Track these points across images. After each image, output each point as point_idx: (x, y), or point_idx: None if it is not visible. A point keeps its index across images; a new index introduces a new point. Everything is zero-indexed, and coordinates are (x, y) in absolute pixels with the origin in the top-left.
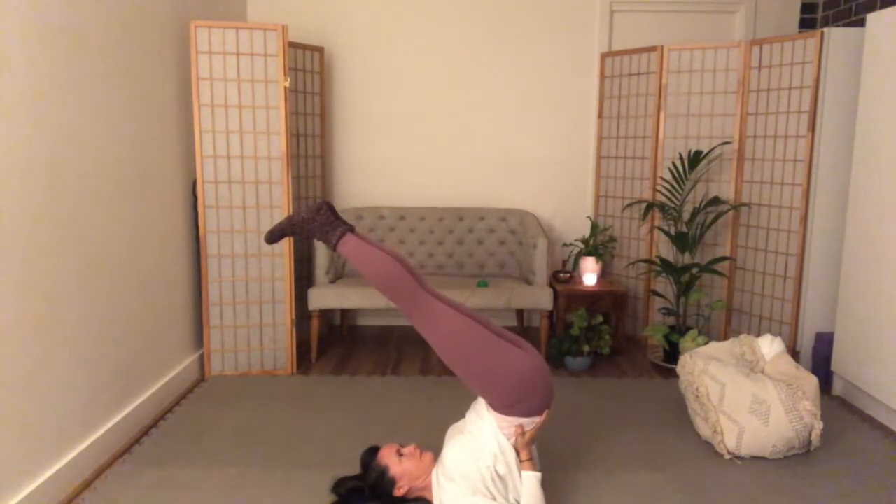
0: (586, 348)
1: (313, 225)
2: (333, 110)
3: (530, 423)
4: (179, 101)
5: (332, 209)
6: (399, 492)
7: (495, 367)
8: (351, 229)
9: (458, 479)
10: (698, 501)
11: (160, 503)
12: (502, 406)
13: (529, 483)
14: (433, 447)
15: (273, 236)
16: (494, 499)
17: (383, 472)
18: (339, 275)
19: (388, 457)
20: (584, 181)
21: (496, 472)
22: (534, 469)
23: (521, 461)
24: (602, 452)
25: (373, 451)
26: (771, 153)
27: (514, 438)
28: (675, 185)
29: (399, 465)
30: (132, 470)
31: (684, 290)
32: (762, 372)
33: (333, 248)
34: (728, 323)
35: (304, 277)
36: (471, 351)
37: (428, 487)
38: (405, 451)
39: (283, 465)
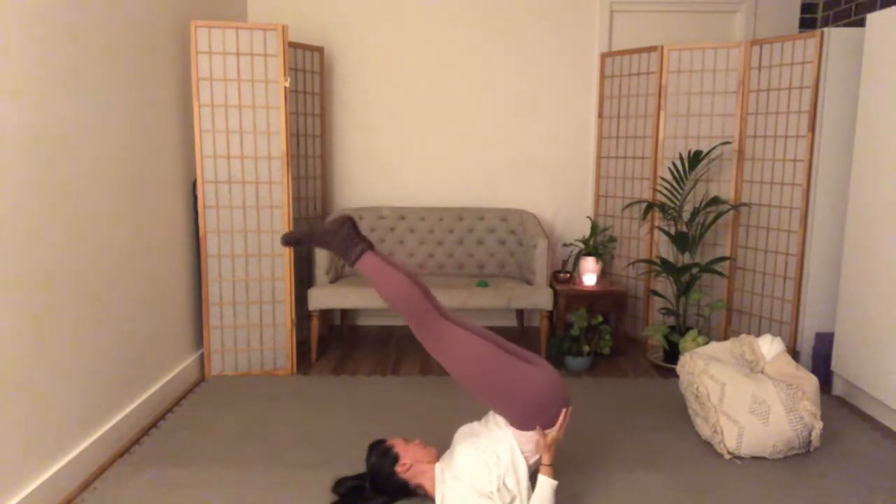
0: (586, 348)
1: (335, 238)
2: (333, 110)
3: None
4: (179, 101)
5: (354, 225)
6: (401, 469)
7: (511, 386)
8: (371, 247)
9: (466, 479)
10: (698, 501)
11: (160, 503)
12: (520, 422)
13: (543, 487)
14: (434, 446)
15: (290, 240)
16: None
17: (388, 449)
18: (339, 275)
19: (393, 440)
20: (584, 181)
21: (505, 484)
22: (552, 476)
23: (542, 465)
24: (602, 452)
25: (379, 441)
26: (771, 153)
27: (534, 458)
28: (675, 185)
29: (404, 446)
30: (132, 470)
31: (684, 290)
32: (762, 372)
33: (352, 264)
34: (728, 323)
35: (304, 277)
36: (485, 372)
37: (427, 475)
38: (411, 441)
39: (283, 465)
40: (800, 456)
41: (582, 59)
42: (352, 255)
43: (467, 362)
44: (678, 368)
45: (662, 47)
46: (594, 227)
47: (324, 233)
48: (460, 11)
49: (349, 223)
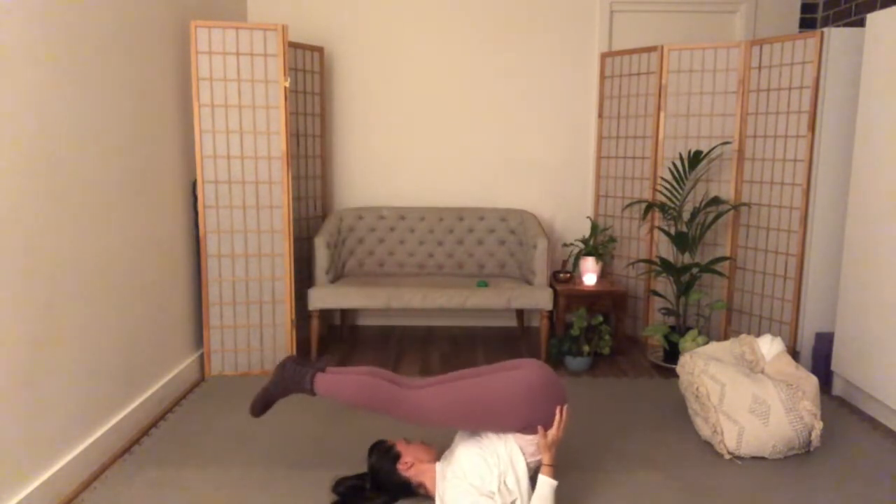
0: (586, 348)
1: (286, 382)
2: (333, 110)
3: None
4: (179, 101)
5: (295, 360)
6: (403, 467)
7: (497, 400)
8: (321, 369)
9: (468, 478)
10: (698, 501)
11: (160, 503)
12: (521, 429)
13: (543, 487)
14: (435, 446)
15: (257, 410)
16: None
17: (389, 448)
18: (339, 275)
19: (395, 439)
20: (584, 181)
21: (506, 483)
22: (552, 476)
23: (543, 465)
24: (602, 452)
25: (380, 441)
26: (771, 153)
27: (534, 458)
28: (675, 185)
29: (406, 446)
30: (132, 470)
31: (684, 290)
32: (762, 372)
33: (311, 392)
34: (728, 323)
35: (304, 277)
36: (472, 409)
37: (428, 473)
38: (412, 441)
39: (282, 465)
40: (800, 456)
41: (582, 59)
42: (306, 385)
43: (454, 412)
44: (678, 368)
45: (662, 47)
46: (594, 227)
47: (276, 384)
48: (460, 11)
49: (289, 361)
